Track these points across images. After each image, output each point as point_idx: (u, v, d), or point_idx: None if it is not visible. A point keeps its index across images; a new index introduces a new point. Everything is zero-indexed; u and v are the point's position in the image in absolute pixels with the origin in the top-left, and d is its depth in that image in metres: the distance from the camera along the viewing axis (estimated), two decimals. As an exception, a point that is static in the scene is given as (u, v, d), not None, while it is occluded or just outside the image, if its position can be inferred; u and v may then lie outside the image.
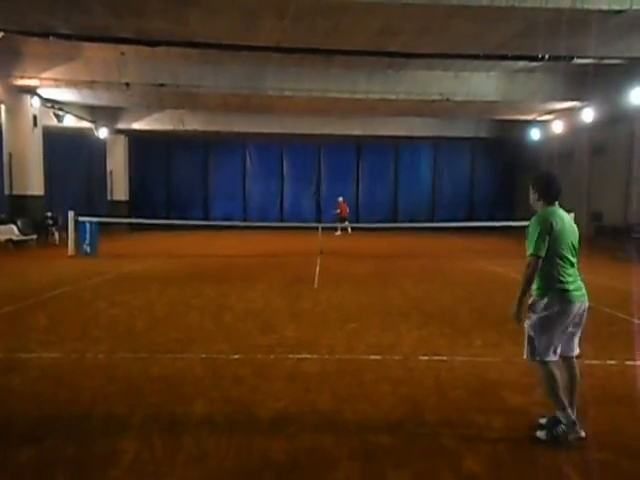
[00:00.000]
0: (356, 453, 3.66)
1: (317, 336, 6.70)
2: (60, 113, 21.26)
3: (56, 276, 11.61)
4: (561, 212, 3.98)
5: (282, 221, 29.95)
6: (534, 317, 3.88)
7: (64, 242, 17.08)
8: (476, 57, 15.16)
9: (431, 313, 8.19)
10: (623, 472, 3.50)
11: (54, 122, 21.17)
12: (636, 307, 8.38)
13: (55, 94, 19.55)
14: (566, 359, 4.02)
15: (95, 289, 10.07)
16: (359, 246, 20.11)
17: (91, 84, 17.70)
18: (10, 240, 17.29)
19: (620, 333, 7.00)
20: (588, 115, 20.42)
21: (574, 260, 3.95)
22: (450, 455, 3.66)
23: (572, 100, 19.78)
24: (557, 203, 4.00)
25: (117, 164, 28.35)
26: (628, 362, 5.75)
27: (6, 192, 19.05)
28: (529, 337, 3.91)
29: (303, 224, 22.61)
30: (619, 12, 11.60)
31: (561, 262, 3.86)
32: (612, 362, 5.74)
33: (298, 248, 18.64)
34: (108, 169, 28.15)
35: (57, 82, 17.58)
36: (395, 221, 28.92)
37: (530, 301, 3.92)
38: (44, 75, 17.24)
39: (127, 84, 17.49)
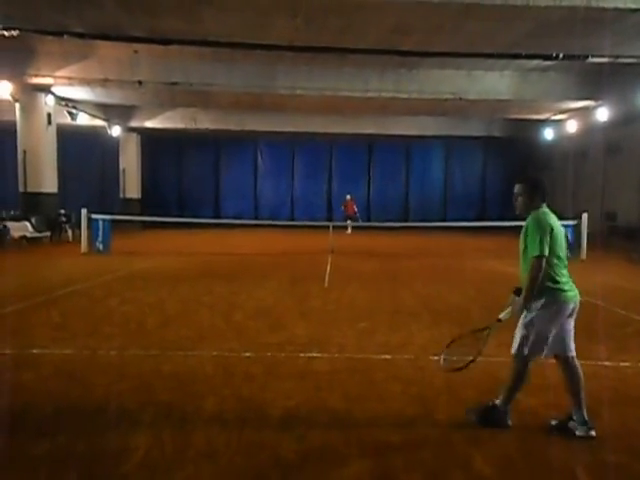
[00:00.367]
0: (366, 452, 3.65)
1: (327, 335, 6.70)
2: (74, 111, 21.42)
3: (69, 273, 11.70)
4: (552, 214, 4.07)
5: (293, 220, 29.95)
6: (530, 316, 3.92)
7: (77, 239, 17.21)
8: (489, 56, 15.07)
9: (442, 312, 8.17)
10: (636, 474, 3.47)
11: (68, 120, 21.36)
12: (650, 308, 8.31)
13: (69, 92, 19.70)
14: (564, 359, 4.03)
15: (107, 286, 10.14)
16: (370, 245, 20.08)
17: (104, 82, 17.81)
18: (24, 237, 17.45)
19: (634, 334, 6.94)
20: (603, 114, 20.21)
21: (566, 261, 4.02)
22: (460, 455, 3.64)
23: (586, 99, 19.59)
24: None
25: (130, 162, 28.49)
26: (641, 364, 5.69)
27: (20, 189, 19.21)
28: (523, 335, 3.94)
29: (314, 223, 22.63)
30: (635, 11, 11.48)
31: (557, 262, 3.93)
32: (626, 364, 5.69)
33: (309, 247, 18.65)
34: (121, 167, 28.29)
35: (71, 80, 17.70)
36: (406, 220, 28.82)
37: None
38: (58, 73, 17.37)
39: (140, 82, 17.58)
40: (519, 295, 3.98)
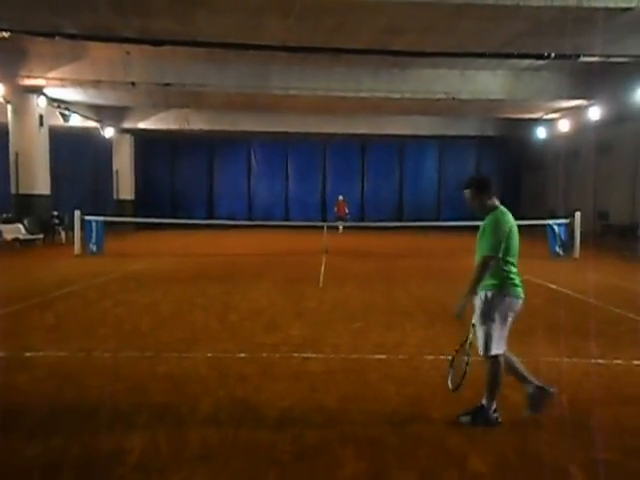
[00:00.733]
0: (361, 452, 3.66)
1: (322, 335, 6.70)
2: (66, 113, 21.33)
3: (62, 275, 11.66)
4: (509, 214, 4.18)
5: (287, 220, 29.95)
6: (492, 314, 3.99)
7: (70, 241, 17.13)
8: (482, 55, 15.10)
9: (436, 312, 8.18)
10: (629, 472, 3.49)
11: (60, 122, 21.26)
12: (643, 306, 8.35)
13: (61, 94, 19.63)
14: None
15: (101, 288, 10.11)
16: (364, 245, 20.10)
17: (97, 84, 17.76)
18: (17, 239, 17.37)
19: (627, 332, 6.97)
20: (595, 113, 20.31)
21: (517, 259, 4.16)
22: (455, 454, 3.66)
23: (578, 98, 19.69)
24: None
25: (123, 163, 28.41)
26: (635, 362, 5.73)
27: (13, 191, 19.13)
28: (487, 333, 4.01)
29: (308, 223, 22.62)
30: (626, 10, 11.54)
31: (512, 260, 4.07)
32: (619, 362, 5.72)
33: (303, 247, 18.65)
34: (114, 168, 28.21)
35: (63, 82, 17.64)
36: (400, 220, 28.86)
37: (489, 297, 4.00)
38: (50, 75, 17.31)
39: (133, 83, 17.53)
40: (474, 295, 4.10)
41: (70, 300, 8.92)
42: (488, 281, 4.00)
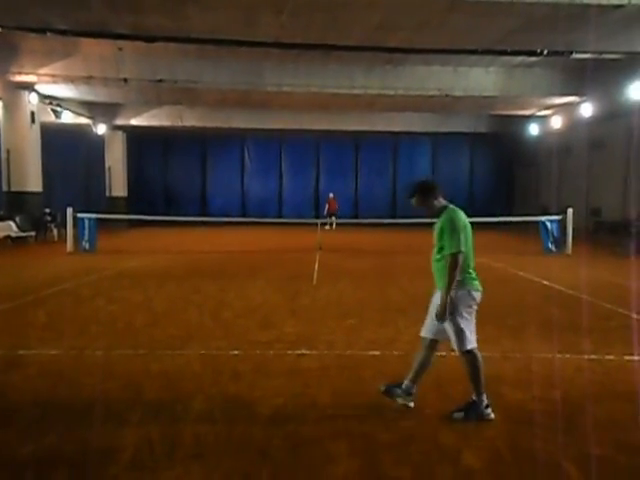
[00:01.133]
0: (355, 448, 3.67)
1: (316, 332, 6.71)
2: (58, 109, 21.23)
3: (55, 273, 11.61)
4: (462, 211, 4.28)
5: (281, 217, 29.94)
6: (460, 309, 4.07)
7: (63, 239, 17.06)
8: (475, 52, 15.14)
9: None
10: (621, 467, 3.51)
11: (52, 118, 21.15)
12: (635, 302, 8.39)
13: (53, 90, 19.51)
14: (435, 343, 4.32)
15: (94, 285, 10.07)
16: (358, 242, 20.11)
17: (89, 80, 17.66)
18: (9, 237, 17.28)
19: (619, 328, 7.01)
20: (587, 110, 20.40)
21: (473, 253, 4.26)
22: (449, 450, 3.67)
23: (571, 95, 19.77)
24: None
25: (115, 160, 28.28)
26: (626, 357, 5.76)
27: (4, 189, 19.02)
28: (460, 329, 4.07)
29: (302, 220, 22.61)
30: (618, 7, 11.57)
31: (470, 255, 4.17)
32: (610, 357, 5.75)
33: (297, 244, 18.64)
34: (106, 165, 28.09)
35: (55, 78, 17.53)
36: (394, 217, 28.89)
37: (453, 295, 4.06)
38: (41, 71, 17.19)
39: (125, 80, 17.44)
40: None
41: (63, 298, 8.88)
42: (446, 285, 4.04)
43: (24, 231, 18.07)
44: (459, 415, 4.16)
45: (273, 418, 4.14)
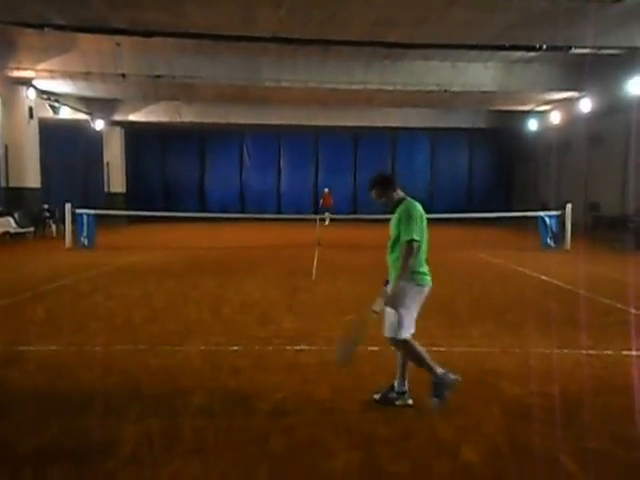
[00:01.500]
0: (354, 443, 3.68)
1: (315, 328, 6.71)
2: (56, 105, 21.16)
3: (54, 269, 11.60)
4: (419, 204, 4.41)
5: (279, 213, 29.91)
6: (405, 301, 4.17)
7: (61, 235, 17.06)
8: (473, 47, 15.13)
9: (428, 304, 8.17)
10: (619, 461, 3.52)
11: (50, 114, 21.09)
12: (633, 297, 8.41)
13: (51, 86, 19.46)
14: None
15: (93, 281, 10.07)
16: (357, 238, 20.10)
17: (86, 75, 17.62)
18: (7, 233, 17.26)
19: (617, 323, 7.02)
20: (586, 105, 20.39)
21: (425, 248, 4.41)
22: (447, 445, 3.68)
23: (570, 90, 19.75)
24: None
25: (114, 156, 28.24)
26: (625, 352, 5.77)
27: (2, 184, 18.99)
28: (399, 319, 4.18)
29: (301, 216, 22.61)
30: (617, 1, 11.57)
31: (422, 247, 4.27)
32: (609, 352, 5.77)
33: (296, 240, 18.64)
34: (105, 161, 28.05)
35: (52, 74, 17.49)
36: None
37: (402, 286, 4.16)
38: (39, 67, 17.15)
39: (123, 75, 17.40)
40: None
41: (61, 294, 8.88)
42: (400, 271, 4.13)
43: (23, 227, 18.06)
44: (435, 402, 4.24)
45: (272, 413, 4.14)
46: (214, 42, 14.99)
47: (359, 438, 3.76)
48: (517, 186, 31.33)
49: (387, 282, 4.37)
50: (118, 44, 16.34)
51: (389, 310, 4.19)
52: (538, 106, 23.45)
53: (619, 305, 8.08)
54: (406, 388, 4.35)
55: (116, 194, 28.05)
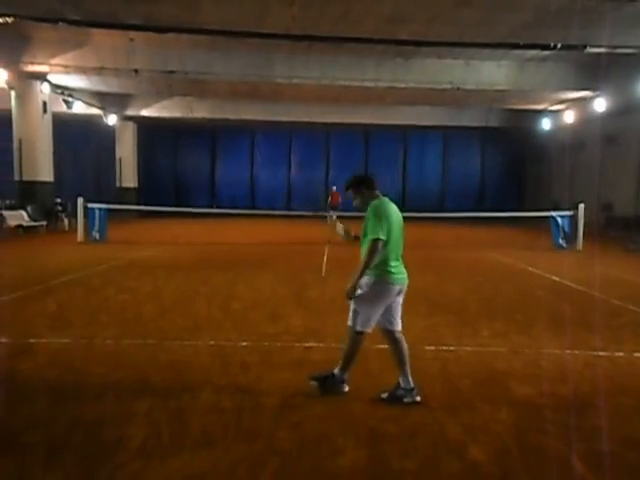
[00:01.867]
0: (362, 441, 3.67)
1: (324, 325, 6.71)
2: (69, 99, 21.31)
3: (65, 262, 11.68)
4: (393, 204, 4.48)
5: (290, 209, 29.92)
6: (362, 293, 4.28)
7: (73, 228, 17.17)
8: (487, 46, 15.03)
9: (438, 303, 8.18)
10: (629, 463, 3.49)
11: (63, 108, 21.24)
12: (645, 299, 8.33)
13: (64, 80, 19.59)
14: (390, 333, 4.44)
15: (104, 275, 10.13)
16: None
17: (100, 70, 17.71)
18: (20, 226, 17.41)
19: (629, 325, 6.96)
20: (600, 105, 20.18)
21: (399, 247, 4.45)
22: (455, 444, 3.66)
23: (584, 90, 19.58)
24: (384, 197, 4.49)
25: (126, 151, 28.40)
26: (636, 354, 5.72)
27: (16, 178, 19.14)
28: (357, 311, 4.32)
29: (311, 212, 22.58)
30: (633, 0, 11.45)
31: (390, 247, 4.28)
32: (620, 354, 5.72)
33: (306, 236, 18.63)
34: (117, 156, 28.20)
35: (66, 68, 17.60)
36: (403, 210, 28.74)
37: (369, 282, 4.27)
38: (54, 61, 17.27)
39: (136, 71, 17.47)
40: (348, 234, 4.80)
41: (72, 287, 8.94)
42: (371, 268, 4.23)
43: (35, 220, 18.21)
44: (314, 384, 4.44)
45: (280, 409, 4.15)
46: (227, 38, 14.99)
47: (367, 435, 3.75)
48: (529, 186, 31.13)
49: (357, 237, 4.59)
50: (132, 39, 16.41)
51: (353, 301, 4.35)
52: (552, 105, 23.28)
53: (631, 306, 8.01)
54: (412, 385, 4.34)
55: (128, 189, 28.22)
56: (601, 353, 5.71)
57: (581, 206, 15.98)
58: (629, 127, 21.21)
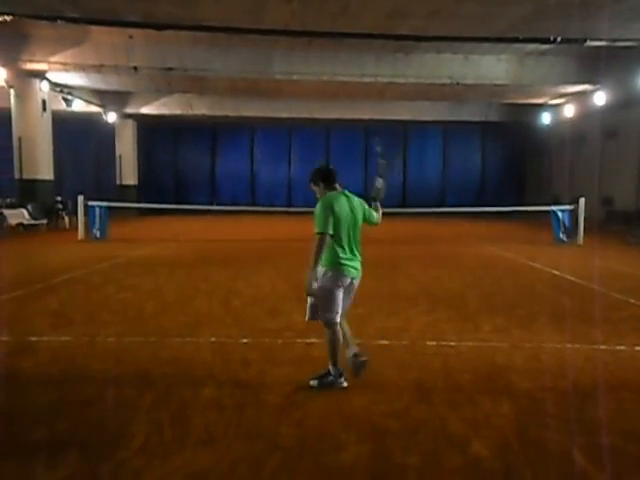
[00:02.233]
0: (364, 437, 3.67)
1: (325, 321, 6.70)
2: (69, 97, 21.28)
3: (66, 260, 11.69)
4: (344, 198, 4.51)
5: (290, 205, 29.92)
6: (319, 285, 4.35)
7: (74, 226, 17.17)
8: (486, 40, 14.99)
9: (439, 298, 8.18)
10: (630, 457, 3.50)
11: (63, 106, 21.22)
12: (646, 293, 8.33)
13: (64, 78, 19.56)
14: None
15: (105, 273, 10.14)
16: (367, 231, 19.99)
17: (99, 68, 17.69)
18: (21, 224, 17.43)
19: (630, 319, 6.96)
20: (600, 99, 20.14)
21: (351, 240, 4.52)
22: (457, 439, 3.67)
23: (584, 83, 19.54)
24: (344, 190, 4.59)
25: (126, 148, 28.39)
26: (637, 347, 5.72)
27: (16, 176, 19.14)
28: (312, 303, 4.45)
29: (311, 209, 22.59)
30: (633, -7, 11.41)
31: (340, 240, 4.38)
32: (621, 347, 5.72)
33: (306, 233, 18.58)
34: (117, 153, 28.19)
35: (66, 66, 17.58)
36: (404, 206, 28.81)
37: (320, 274, 4.38)
38: (53, 59, 17.24)
39: (135, 68, 17.45)
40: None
41: (74, 285, 8.95)
42: (324, 260, 4.35)
43: (36, 219, 18.22)
44: (314, 383, 4.49)
45: (282, 406, 4.15)
46: (226, 35, 14.96)
47: (369, 431, 3.76)
48: (530, 180, 31.10)
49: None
50: (131, 37, 16.39)
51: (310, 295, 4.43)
52: (552, 99, 23.23)
53: (632, 300, 8.01)
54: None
55: (128, 186, 28.23)
56: (602, 347, 5.72)
57: (581, 200, 15.96)
58: (629, 121, 21.18)
